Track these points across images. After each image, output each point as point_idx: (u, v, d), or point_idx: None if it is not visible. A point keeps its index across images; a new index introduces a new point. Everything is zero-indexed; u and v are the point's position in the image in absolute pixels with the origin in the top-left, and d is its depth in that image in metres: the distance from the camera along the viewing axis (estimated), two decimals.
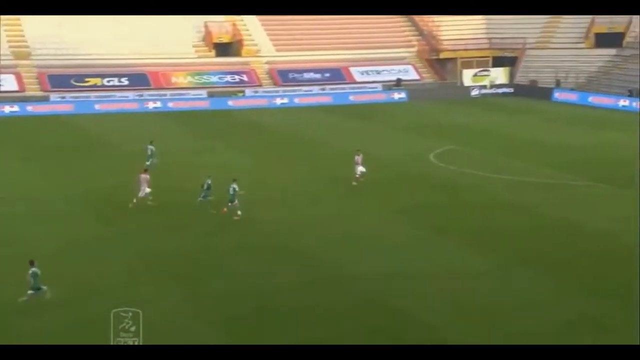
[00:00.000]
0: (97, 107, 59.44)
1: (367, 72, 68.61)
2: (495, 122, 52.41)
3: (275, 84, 66.62)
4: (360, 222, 28.74)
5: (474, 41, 72.14)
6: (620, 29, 68.86)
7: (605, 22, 69.44)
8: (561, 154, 40.62)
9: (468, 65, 70.42)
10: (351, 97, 64.99)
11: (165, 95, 62.74)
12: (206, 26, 69.25)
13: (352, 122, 53.65)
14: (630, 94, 59.77)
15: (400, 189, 33.62)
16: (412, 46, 72.28)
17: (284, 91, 65.24)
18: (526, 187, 33.80)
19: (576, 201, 31.39)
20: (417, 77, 69.27)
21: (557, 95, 63.95)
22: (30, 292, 20.82)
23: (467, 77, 68.94)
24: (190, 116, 56.63)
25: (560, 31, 71.88)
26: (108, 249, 25.36)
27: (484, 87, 67.58)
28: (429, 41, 72.36)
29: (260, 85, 66.05)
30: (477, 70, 69.36)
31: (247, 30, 70.77)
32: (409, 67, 69.94)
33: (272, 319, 20.28)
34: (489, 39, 72.52)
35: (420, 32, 73.51)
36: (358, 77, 68.14)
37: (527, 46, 70.90)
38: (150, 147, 36.49)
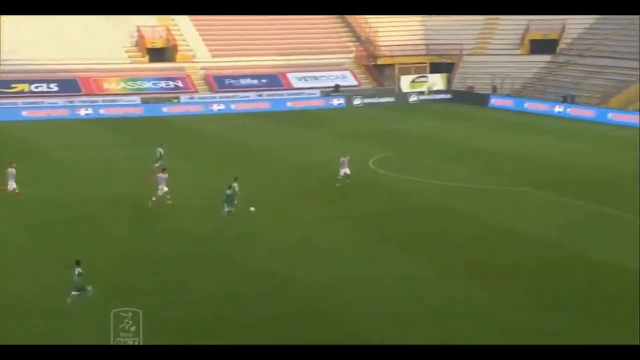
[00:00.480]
0: (24, 114, 58.04)
1: (304, 78, 68.65)
2: (434, 128, 52.98)
3: (212, 90, 66.09)
4: (299, 230, 28.73)
5: (412, 47, 72.92)
6: (554, 36, 70.50)
7: (540, 29, 71.02)
8: (499, 160, 41.16)
9: (406, 71, 71.12)
10: (289, 103, 64.93)
11: (97, 101, 61.60)
12: (139, 31, 68.34)
13: (290, 128, 53.57)
14: (565, 100, 61.17)
15: (340, 196, 33.72)
16: (350, 52, 72.65)
17: (221, 97, 64.74)
18: (465, 193, 34.11)
19: (514, 207, 31.74)
20: (355, 83, 69.63)
21: (494, 101, 65.06)
22: (75, 293, 20.71)
23: (405, 83, 69.59)
24: (124, 123, 55.81)
25: (496, 37, 73.21)
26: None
27: (422, 93, 68.30)
28: (367, 47, 72.84)
29: (195, 91, 65.43)
30: (415, 76, 70.09)
31: (182, 35, 70.08)
32: (347, 73, 70.26)
33: (207, 328, 20.11)
34: (427, 45, 73.41)
35: (358, 38, 73.94)
36: (295, 83, 68.14)
37: (464, 52, 71.99)
38: (160, 149, 37.15)
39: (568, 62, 67.51)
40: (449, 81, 70.03)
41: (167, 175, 31.57)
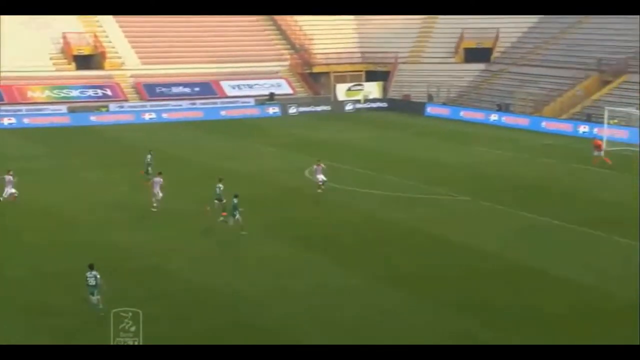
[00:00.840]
0: None
1: (238, 86, 68.01)
2: (370, 137, 53.00)
3: (142, 98, 64.86)
4: (230, 240, 28.37)
5: (347, 55, 72.97)
6: (488, 44, 71.49)
7: (474, 37, 71.92)
8: (435, 169, 41.30)
9: (342, 79, 71.11)
10: (223, 112, 64.17)
11: (20, 110, 59.77)
12: (64, 37, 66.66)
13: (224, 137, 52.92)
14: (499, 109, 61.94)
15: (274, 205, 33.46)
16: (285, 60, 72.31)
17: (152, 106, 63.59)
18: (400, 202, 34.18)
19: (450, 217, 31.84)
20: (290, 91, 69.29)
21: (430, 109, 65.51)
22: (96, 296, 21.02)
23: (341, 91, 69.55)
24: (49, 133, 54.29)
25: (430, 46, 73.85)
26: None
27: (358, 101, 68.34)
28: (302, 55, 72.61)
29: (125, 100, 64.11)
30: (350, 84, 70.11)
31: (110, 42, 68.64)
32: (282, 81, 69.89)
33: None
34: (362, 52, 73.58)
35: (292, 45, 73.66)
36: (229, 92, 67.43)
37: (400, 60, 72.39)
38: (149, 156, 38.12)
39: (502, 71, 68.47)
40: (384, 90, 70.25)
41: (162, 180, 32.41)
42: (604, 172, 40.71)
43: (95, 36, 67.86)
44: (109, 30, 69.35)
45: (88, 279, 21.31)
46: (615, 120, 51.98)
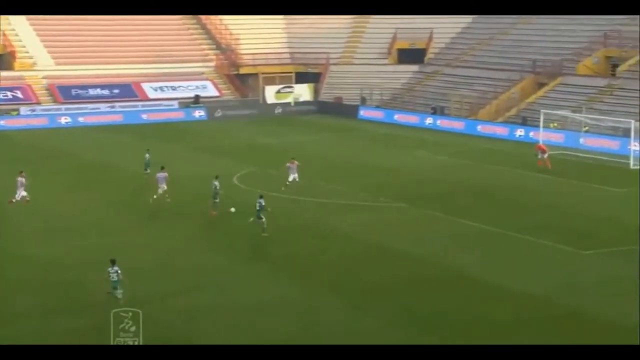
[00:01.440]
0: None
1: (161, 88, 67.35)
2: (301, 141, 53.12)
3: (56, 101, 63.58)
4: (155, 251, 28.30)
5: (276, 55, 73.05)
6: (421, 45, 72.58)
7: (407, 38, 72.92)
8: (370, 174, 41.61)
9: (270, 81, 71.13)
10: (144, 116, 63.44)
11: None
12: None
13: (146, 142, 52.33)
14: (434, 112, 62.89)
15: (202, 215, 33.10)
16: (210, 60, 71.94)
17: (67, 109, 62.41)
18: (335, 209, 34.44)
19: (386, 224, 32.09)
20: (216, 93, 68.95)
21: (363, 112, 66.07)
22: (119, 290, 22.05)
23: (270, 93, 69.57)
24: None
25: (363, 46, 74.55)
26: None
27: (288, 104, 68.48)
28: (228, 55, 72.36)
29: (38, 103, 62.74)
30: (280, 86, 70.19)
31: (20, 40, 67.09)
32: (208, 83, 69.49)
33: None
34: (291, 53, 73.76)
35: (218, 45, 73.33)
36: (151, 94, 66.70)
37: (331, 62, 72.84)
38: (147, 155, 40.38)
39: (436, 73, 69.60)
40: (316, 92, 70.55)
41: (166, 174, 34.83)
42: (543, 177, 41.49)
43: (4, 35, 66.21)
44: (19, 28, 67.76)
45: (110, 274, 22.45)
46: (555, 124, 53.42)
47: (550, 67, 62.41)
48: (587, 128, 51.46)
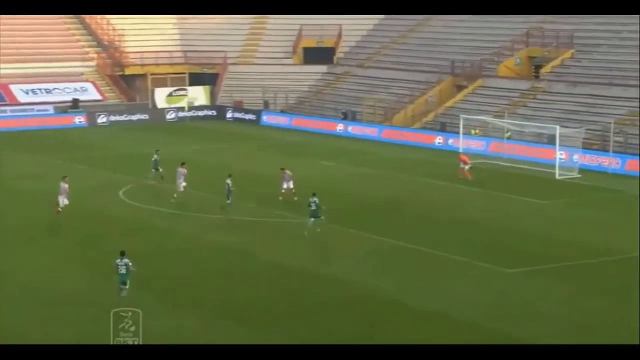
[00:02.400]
0: None
1: (33, 91, 66.07)
2: (197, 151, 52.92)
3: None
4: (34, 272, 28.32)
5: (167, 54, 72.59)
6: (330, 44, 73.36)
7: (314, 36, 73.61)
8: (270, 186, 41.39)
9: (161, 83, 70.61)
10: (14, 122, 62.10)
11: None
12: None
13: (16, 153, 51.17)
14: (345, 117, 63.53)
15: (83, 233, 33.15)
16: (91, 60, 70.98)
17: None
18: (233, 226, 34.64)
19: (289, 241, 32.37)
20: (99, 97, 68.07)
21: (266, 118, 66.29)
22: (127, 287, 23.86)
23: (161, 97, 69.06)
24: None
25: (265, 44, 74.83)
26: None
27: (182, 109, 68.12)
28: (112, 54, 71.54)
29: None
30: (172, 89, 69.77)
31: None
32: (89, 85, 68.54)
33: None
34: (185, 52, 73.44)
35: (100, 43, 72.43)
36: (22, 98, 65.40)
37: (229, 61, 72.87)
38: (156, 156, 42.44)
39: (347, 74, 70.49)
40: (213, 95, 70.42)
41: (186, 170, 38.08)
42: (463, 189, 42.32)
43: None
44: None
45: (119, 267, 23.98)
46: (476, 131, 54.70)
47: (470, 69, 64.02)
48: (509, 134, 52.86)
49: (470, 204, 39.42)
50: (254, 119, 66.50)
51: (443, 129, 58.16)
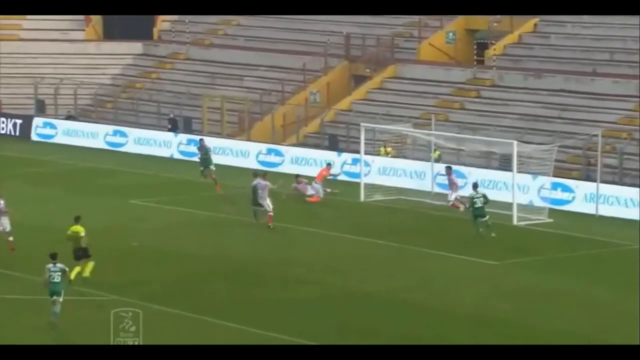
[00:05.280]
0: None
1: None
2: None
3: None
4: None
5: None
6: None
7: None
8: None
9: None
10: None
11: None
12: None
13: None
14: (173, 127, 63.22)
15: None
16: None
17: None
18: None
19: None
20: None
21: (41, 129, 65.95)
22: (60, 299, 31.79)
23: None
24: None
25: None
26: None
27: None
28: None
29: None
30: None
31: None
32: None
33: None
34: None
35: None
36: None
37: None
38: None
39: (175, 57, 71.25)
40: None
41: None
42: (364, 242, 43.24)
43: None
44: None
45: (52, 273, 31.05)
46: (388, 148, 54.23)
47: (375, 50, 64.27)
48: (438, 154, 52.99)
49: (375, 267, 39.96)
50: (19, 130, 65.34)
51: (332, 144, 58.03)
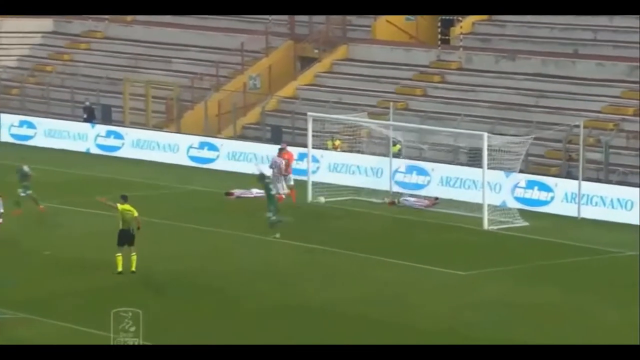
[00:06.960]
0: None
1: None
2: None
3: None
4: None
5: None
6: None
7: None
8: None
9: None
10: None
11: None
12: None
13: None
14: (89, 116, 63.04)
15: None
16: None
17: None
18: None
19: None
20: None
21: None
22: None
23: None
24: None
25: None
26: None
27: None
28: None
29: None
30: None
31: None
32: None
33: None
34: None
35: None
36: None
37: None
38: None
39: (91, 35, 72.20)
40: None
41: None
42: (306, 248, 43.67)
43: None
44: None
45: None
46: (337, 141, 54.68)
47: (324, 27, 64.49)
48: (398, 148, 53.27)
49: (319, 277, 40.41)
50: None
51: (276, 136, 58.30)
